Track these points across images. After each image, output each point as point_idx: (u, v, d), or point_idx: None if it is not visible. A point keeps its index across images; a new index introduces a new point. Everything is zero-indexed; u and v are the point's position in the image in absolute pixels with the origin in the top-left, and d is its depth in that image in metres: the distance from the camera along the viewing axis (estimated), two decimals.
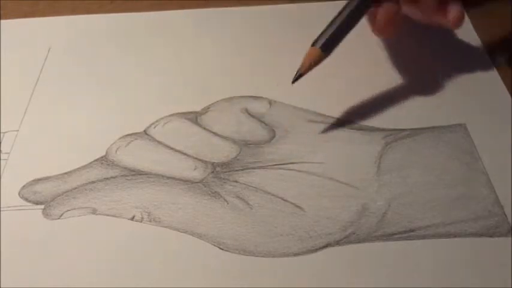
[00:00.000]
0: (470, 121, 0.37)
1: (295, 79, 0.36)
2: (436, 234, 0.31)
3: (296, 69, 0.36)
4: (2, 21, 0.47)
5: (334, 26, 0.36)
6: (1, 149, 0.37)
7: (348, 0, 0.37)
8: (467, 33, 0.43)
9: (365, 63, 0.39)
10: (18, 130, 0.38)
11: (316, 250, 0.31)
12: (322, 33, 0.36)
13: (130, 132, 0.37)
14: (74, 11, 0.48)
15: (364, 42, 0.41)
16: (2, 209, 0.34)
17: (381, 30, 0.38)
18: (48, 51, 0.44)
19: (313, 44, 0.36)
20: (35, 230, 0.33)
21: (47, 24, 0.46)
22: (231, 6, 0.47)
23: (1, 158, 0.36)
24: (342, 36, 0.36)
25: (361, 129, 0.37)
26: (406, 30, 0.39)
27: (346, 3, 0.37)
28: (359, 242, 0.31)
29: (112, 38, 0.45)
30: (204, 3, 0.47)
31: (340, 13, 0.37)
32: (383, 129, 0.37)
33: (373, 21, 0.38)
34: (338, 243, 0.31)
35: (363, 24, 0.38)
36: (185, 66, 0.42)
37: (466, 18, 0.39)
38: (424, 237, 0.31)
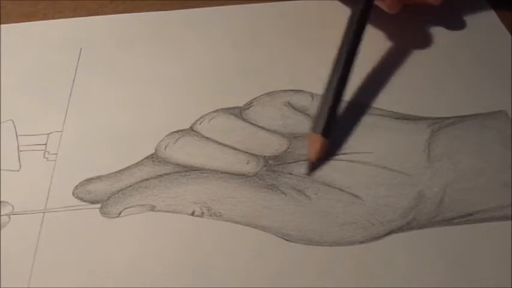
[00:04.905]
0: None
1: (311, 169, 0.35)
2: (495, 218, 0.32)
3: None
4: (31, 23, 0.46)
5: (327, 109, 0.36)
6: (48, 150, 0.37)
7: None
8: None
9: (404, 54, 0.40)
10: (61, 131, 0.38)
11: (380, 237, 0.31)
12: (317, 118, 0.36)
13: (175, 129, 0.37)
14: (74, 11, 0.47)
15: (400, 35, 0.42)
16: (58, 209, 0.34)
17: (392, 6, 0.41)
18: (80, 51, 0.44)
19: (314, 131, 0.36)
20: (94, 228, 0.33)
21: (74, 25, 0.46)
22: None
23: (49, 159, 0.36)
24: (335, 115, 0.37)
25: (405, 118, 0.37)
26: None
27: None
28: (420, 228, 0.32)
29: (142, 36, 0.45)
30: None
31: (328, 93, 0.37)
32: (427, 118, 0.37)
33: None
34: (401, 229, 0.32)
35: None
36: (219, 63, 0.42)
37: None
38: (482, 220, 0.32)
